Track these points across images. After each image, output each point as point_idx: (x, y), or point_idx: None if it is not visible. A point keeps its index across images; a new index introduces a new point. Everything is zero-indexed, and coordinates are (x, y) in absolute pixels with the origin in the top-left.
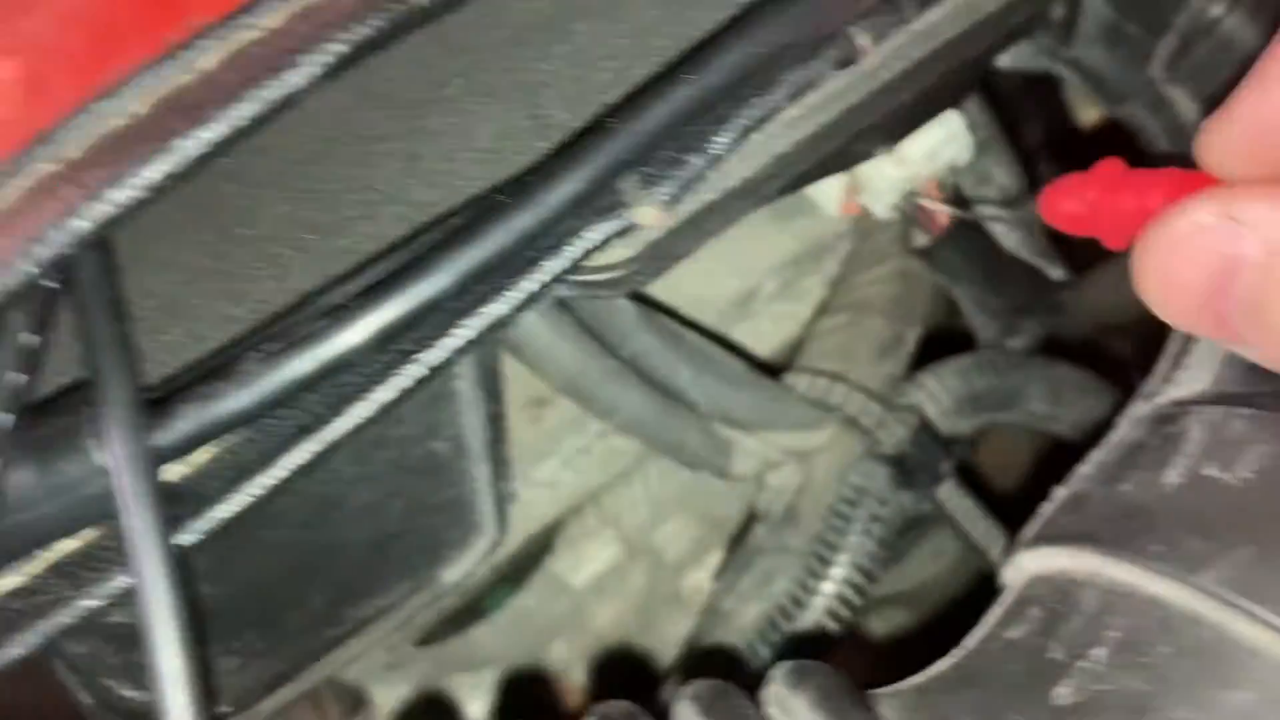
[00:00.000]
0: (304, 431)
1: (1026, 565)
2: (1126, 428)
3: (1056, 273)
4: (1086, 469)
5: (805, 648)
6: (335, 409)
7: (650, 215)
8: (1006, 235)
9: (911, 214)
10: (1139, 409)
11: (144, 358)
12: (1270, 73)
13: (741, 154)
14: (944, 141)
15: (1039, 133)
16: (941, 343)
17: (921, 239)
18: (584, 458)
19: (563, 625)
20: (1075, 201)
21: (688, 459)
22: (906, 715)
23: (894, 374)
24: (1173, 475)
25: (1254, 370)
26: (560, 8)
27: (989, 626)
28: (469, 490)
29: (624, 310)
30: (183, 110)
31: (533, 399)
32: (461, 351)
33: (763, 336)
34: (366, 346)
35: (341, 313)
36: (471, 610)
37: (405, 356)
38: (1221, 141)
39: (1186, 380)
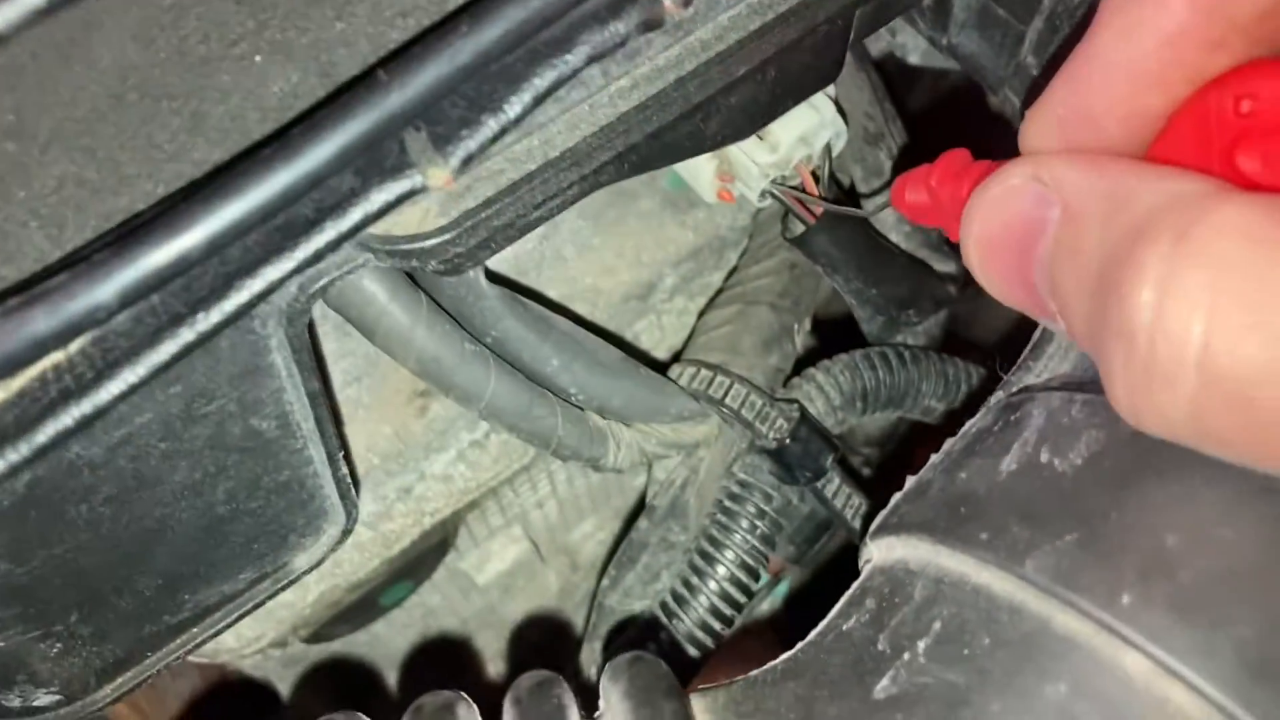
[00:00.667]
0: (66, 396)
1: (872, 554)
2: (979, 415)
3: (945, 266)
4: (936, 457)
5: (689, 644)
6: (101, 374)
7: (439, 177)
8: (893, 226)
9: (785, 199)
10: (995, 397)
11: None
12: (1080, 64)
13: (564, 124)
14: (816, 126)
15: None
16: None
17: (799, 228)
18: (478, 451)
19: (474, 623)
20: (919, 191)
21: (557, 449)
22: (724, 709)
23: (780, 367)
24: (1009, 462)
25: None
26: None
27: (828, 618)
28: (307, 474)
29: (487, 295)
30: None
31: (416, 390)
32: (234, 316)
33: (665, 331)
34: (111, 303)
35: (83, 266)
36: (365, 606)
37: (174, 319)
38: (1037, 130)
39: (1042, 367)
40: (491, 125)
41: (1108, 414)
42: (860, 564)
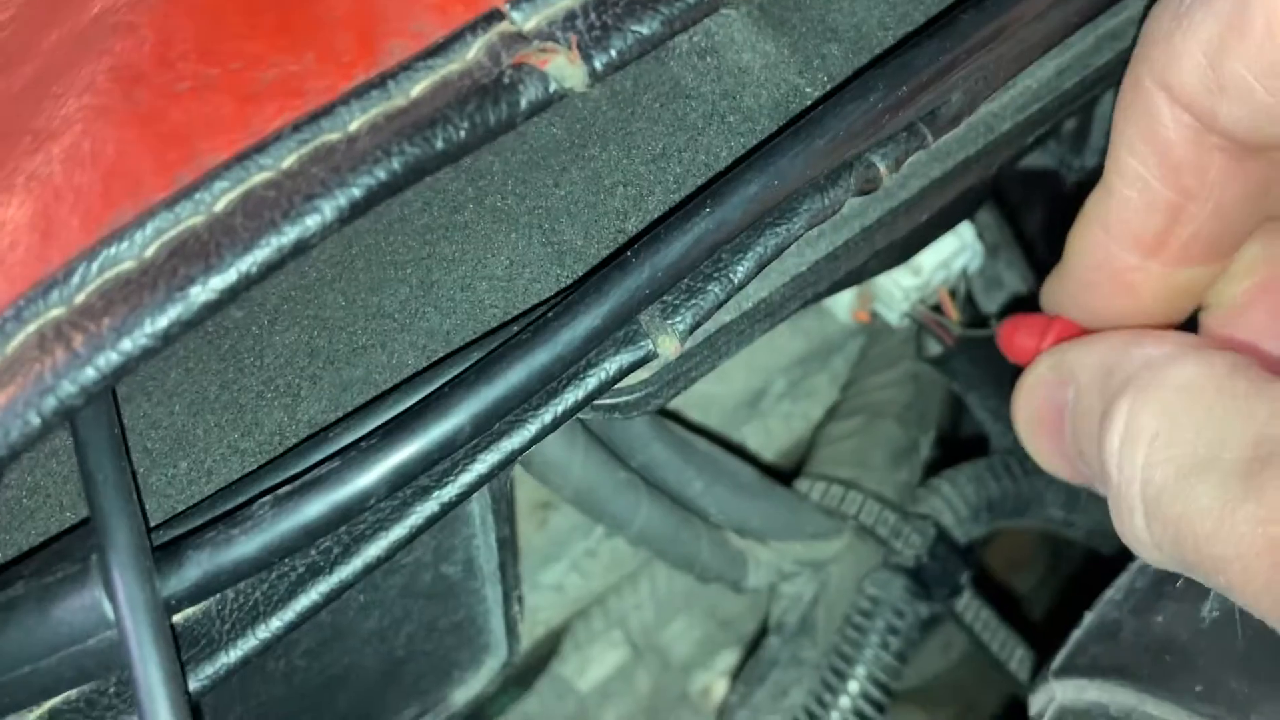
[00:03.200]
0: (315, 573)
1: (1056, 694)
2: None
3: None
4: (1115, 594)
5: None
6: (348, 549)
7: (669, 345)
8: None
9: (924, 322)
10: None
11: (150, 492)
12: (1076, 235)
13: (759, 277)
14: (956, 251)
15: (1040, 223)
16: (956, 443)
17: (934, 346)
18: (590, 560)
19: None
20: (1026, 337)
21: (701, 572)
22: None
23: (909, 480)
24: (1209, 607)
25: None
26: (574, 133)
27: None
28: (480, 611)
29: (634, 420)
30: (194, 255)
31: (539, 503)
32: (475, 487)
33: (772, 436)
34: (381, 489)
35: (355, 454)
36: (476, 716)
37: (420, 494)
38: (1052, 294)
39: None
40: (716, 292)
41: None
42: (1035, 701)
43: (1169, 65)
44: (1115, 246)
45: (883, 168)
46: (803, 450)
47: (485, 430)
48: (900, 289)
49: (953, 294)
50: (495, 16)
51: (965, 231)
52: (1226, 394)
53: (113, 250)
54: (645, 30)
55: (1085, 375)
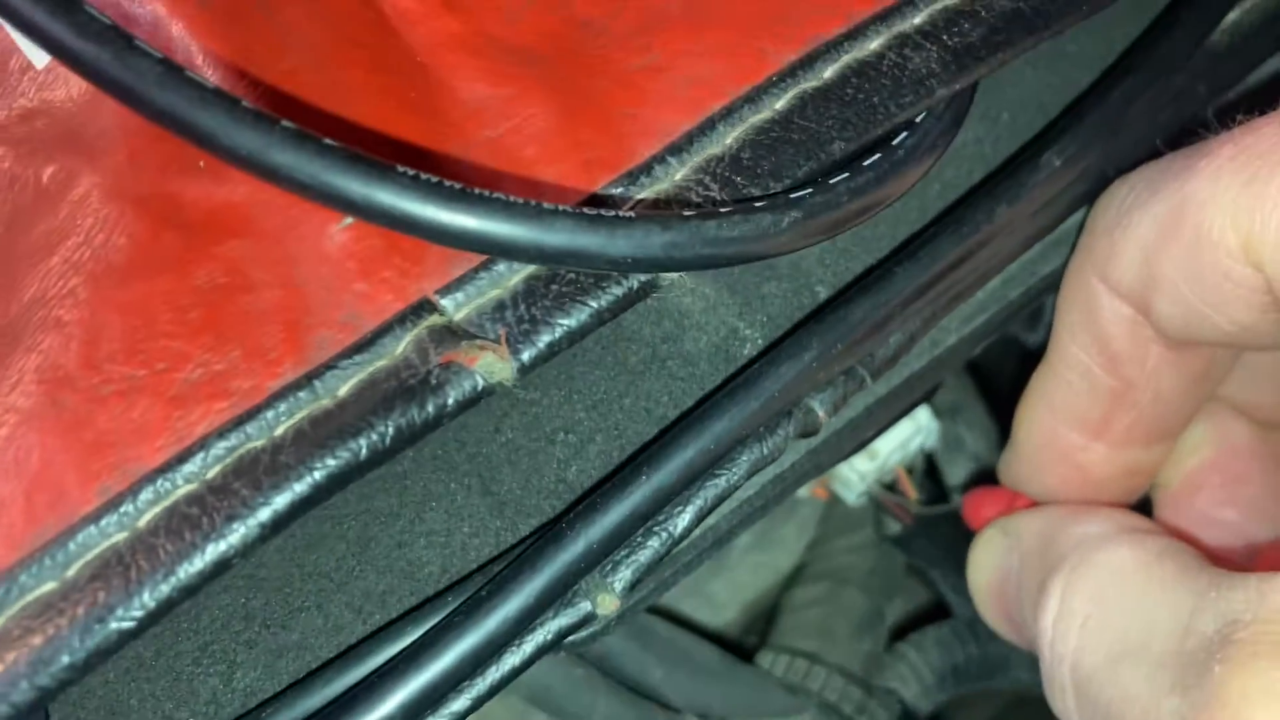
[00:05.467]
0: None
1: None
2: None
3: None
4: None
5: None
6: None
7: (609, 603)
8: None
9: (882, 502)
10: None
11: None
12: (1023, 414)
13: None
14: (913, 433)
15: (1005, 378)
16: (921, 606)
17: (893, 525)
18: None
19: None
20: (992, 510)
21: None
22: None
23: (873, 649)
24: None
25: None
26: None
27: None
28: None
29: None
30: (115, 579)
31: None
32: None
33: (740, 588)
34: None
35: None
36: None
37: None
38: (1007, 469)
39: None
40: (655, 546)
41: None
42: None
43: (1109, 260)
44: (1061, 427)
45: (821, 412)
46: (770, 600)
47: (415, 716)
48: (856, 473)
49: (910, 470)
50: (425, 307)
51: (920, 413)
52: (1155, 581)
53: (34, 571)
54: (574, 324)
55: (1027, 543)
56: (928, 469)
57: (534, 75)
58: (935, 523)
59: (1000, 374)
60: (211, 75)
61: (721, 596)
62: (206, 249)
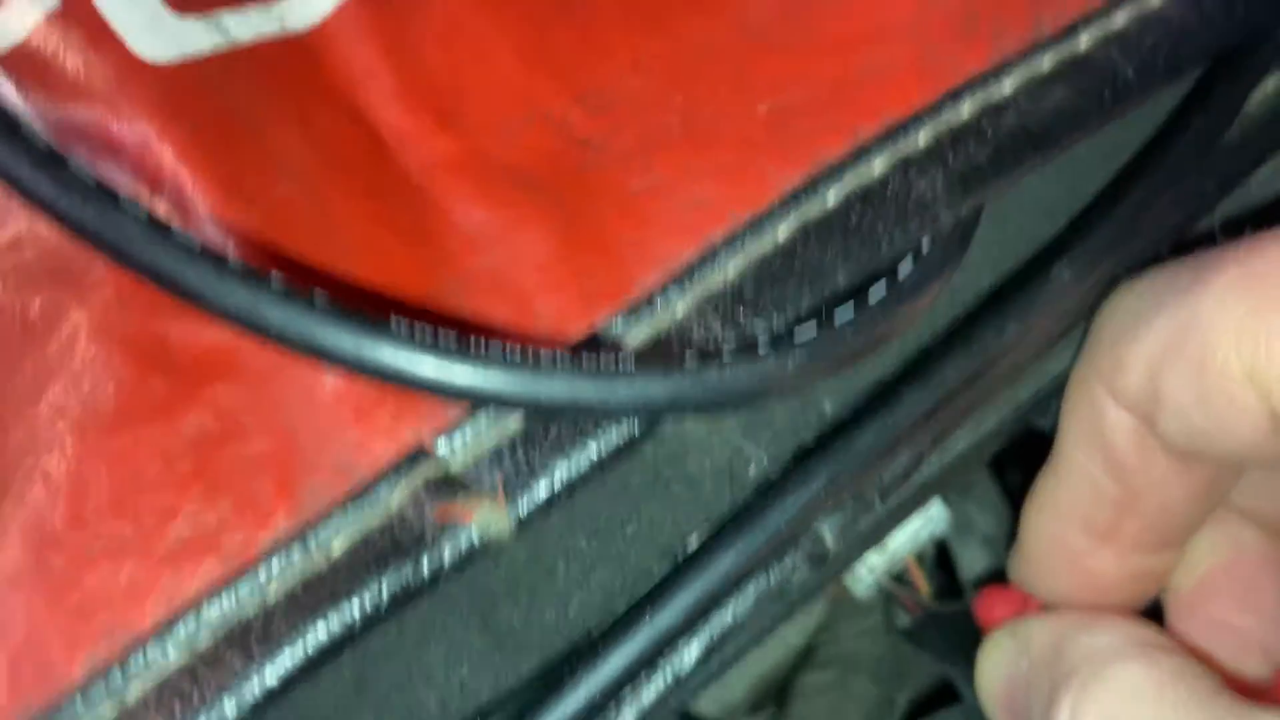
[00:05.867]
0: None
1: None
2: None
3: None
4: None
5: None
6: None
7: None
8: None
9: (893, 594)
10: None
11: None
12: (1030, 517)
13: None
14: (923, 524)
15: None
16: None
17: (904, 617)
18: None
19: None
20: (1005, 610)
21: None
22: None
23: None
24: None
25: None
26: None
27: None
28: None
29: None
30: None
31: None
32: None
33: (751, 662)
34: None
35: None
36: None
37: None
38: (1016, 570)
39: None
40: (660, 686)
41: None
42: None
43: (1115, 371)
44: (1068, 531)
45: (830, 539)
46: (780, 675)
47: None
48: (866, 566)
49: (920, 559)
50: (420, 455)
51: (931, 503)
52: (1169, 705)
53: None
54: (572, 474)
55: (1037, 651)
56: (938, 556)
57: (532, 199)
58: (948, 617)
59: (1009, 450)
60: (201, 204)
61: (734, 673)
62: (195, 393)
